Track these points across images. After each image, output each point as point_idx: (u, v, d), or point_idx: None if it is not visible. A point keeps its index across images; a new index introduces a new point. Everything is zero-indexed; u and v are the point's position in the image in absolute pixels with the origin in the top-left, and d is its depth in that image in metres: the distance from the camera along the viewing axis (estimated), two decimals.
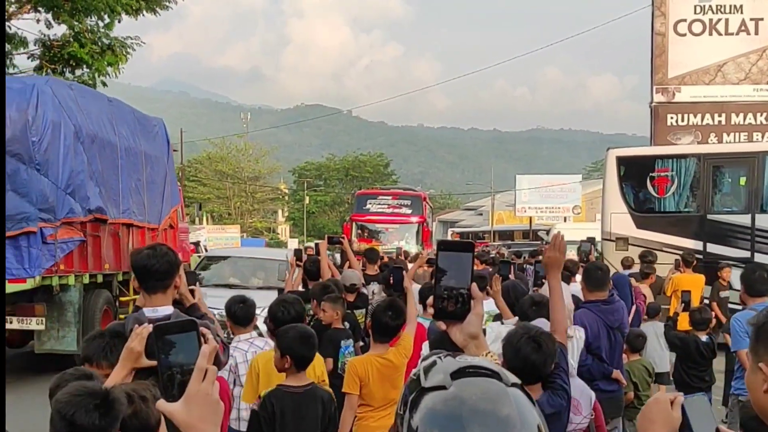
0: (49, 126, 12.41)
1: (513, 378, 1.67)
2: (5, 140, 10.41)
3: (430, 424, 1.57)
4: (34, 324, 12.77)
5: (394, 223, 33.26)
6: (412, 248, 30.00)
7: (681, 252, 15.74)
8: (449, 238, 68.07)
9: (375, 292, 11.89)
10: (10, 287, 11.64)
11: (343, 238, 11.69)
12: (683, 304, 10.01)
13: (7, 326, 12.36)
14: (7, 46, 21.37)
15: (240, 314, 6.57)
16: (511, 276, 9.26)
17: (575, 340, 6.12)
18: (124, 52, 21.33)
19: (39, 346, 12.96)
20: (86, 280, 13.31)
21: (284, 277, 11.30)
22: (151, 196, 16.33)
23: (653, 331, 10.52)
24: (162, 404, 2.22)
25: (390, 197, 34.43)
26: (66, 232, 12.77)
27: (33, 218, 12.25)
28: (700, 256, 16.60)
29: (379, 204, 33.79)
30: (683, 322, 9.68)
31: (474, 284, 2.35)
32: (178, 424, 2.19)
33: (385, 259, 15.61)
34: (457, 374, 1.63)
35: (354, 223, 33.56)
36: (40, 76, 13.40)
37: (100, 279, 13.90)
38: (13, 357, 14.40)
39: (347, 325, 8.03)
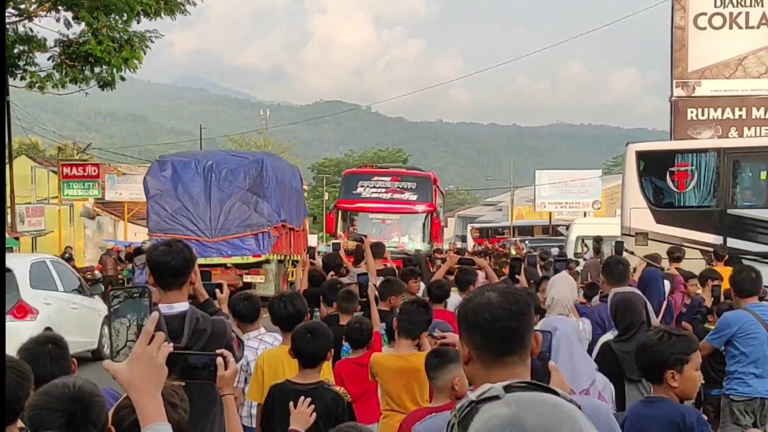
0: (270, 178, 22.84)
1: (565, 395, 1.65)
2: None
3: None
4: (258, 279, 22.26)
5: (394, 213, 26.03)
6: (417, 246, 24.63)
7: (700, 247, 15.65)
8: (468, 234, 67.99)
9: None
10: (253, 259, 22.21)
11: (365, 236, 11.55)
12: (713, 299, 9.97)
13: (245, 279, 22.10)
14: (26, 47, 21.51)
15: (245, 311, 6.55)
16: (520, 276, 9.29)
17: (579, 332, 6.14)
18: (143, 47, 21.42)
19: (256, 291, 18.65)
20: (278, 258, 22.94)
21: None
22: (297, 212, 26.40)
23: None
24: (108, 364, 2.30)
25: (388, 178, 26.76)
26: (274, 232, 22.69)
27: (264, 225, 22.42)
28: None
29: (374, 187, 26.29)
30: (713, 317, 9.63)
31: None
32: (120, 384, 2.27)
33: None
34: (510, 388, 1.62)
35: (339, 213, 26.12)
36: (262, 152, 28.52)
37: (282, 258, 23.50)
38: None
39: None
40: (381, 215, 25.95)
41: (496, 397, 1.57)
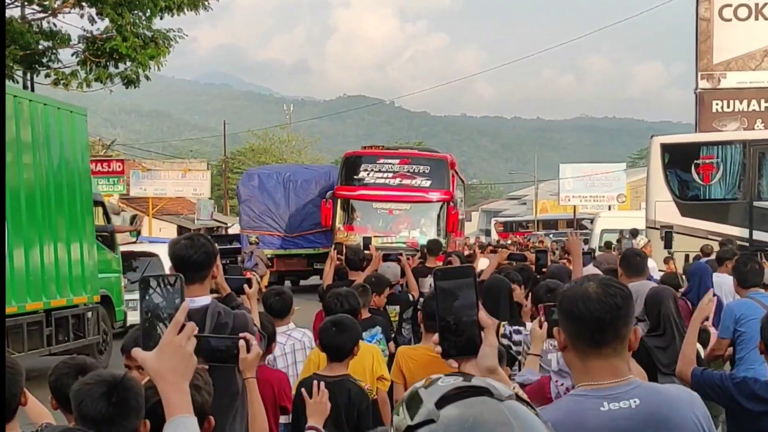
0: (336, 186, 24.21)
1: (506, 390, 1.58)
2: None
3: None
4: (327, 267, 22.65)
5: (403, 201, 22.25)
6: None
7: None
8: (492, 228, 67.76)
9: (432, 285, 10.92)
10: (322, 250, 23.41)
11: (400, 254, 10.99)
12: None
13: (315, 266, 24.91)
14: (50, 43, 21.61)
15: (276, 306, 6.52)
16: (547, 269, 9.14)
17: None
18: (167, 45, 21.42)
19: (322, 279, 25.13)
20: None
21: None
22: None
23: None
24: (137, 351, 2.28)
25: (397, 160, 22.84)
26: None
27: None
28: (746, 244, 16.38)
29: (380, 171, 22.63)
30: None
31: (482, 312, 2.19)
32: (148, 372, 2.26)
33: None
34: (442, 402, 1.54)
35: (339, 201, 22.63)
36: (329, 165, 32.67)
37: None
38: None
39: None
40: (387, 204, 22.32)
41: (431, 421, 1.50)
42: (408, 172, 22.46)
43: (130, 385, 3.10)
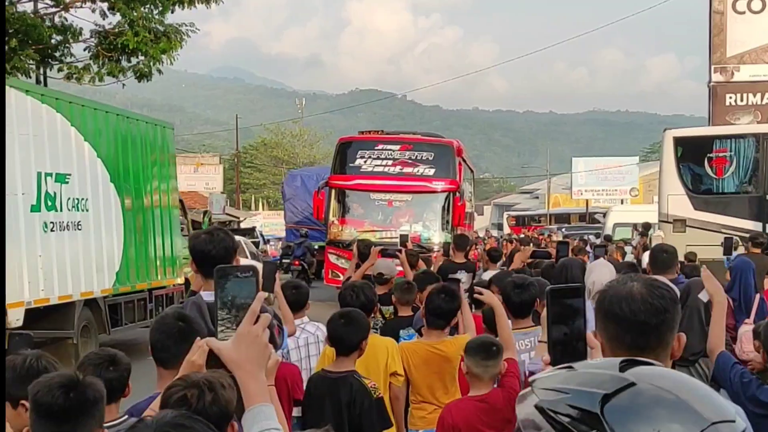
0: None
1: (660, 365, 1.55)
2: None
3: (654, 421, 1.34)
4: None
5: (403, 192, 20.10)
6: (435, 236, 19.59)
7: (739, 234, 15.51)
8: (504, 222, 67.61)
9: (463, 281, 10.38)
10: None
11: (399, 251, 10.59)
12: None
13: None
14: (63, 37, 21.66)
15: (292, 299, 6.55)
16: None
17: None
18: (179, 39, 21.40)
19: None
20: None
21: None
22: None
23: None
24: (212, 341, 2.32)
25: (397, 146, 20.38)
26: None
27: None
28: None
29: (379, 158, 20.25)
30: None
31: (590, 333, 2.17)
32: (225, 362, 2.28)
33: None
34: (624, 368, 1.45)
35: (332, 192, 20.48)
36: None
37: None
38: None
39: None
40: (386, 195, 20.23)
41: (631, 384, 1.39)
42: (409, 159, 20.15)
43: (89, 382, 3.16)
